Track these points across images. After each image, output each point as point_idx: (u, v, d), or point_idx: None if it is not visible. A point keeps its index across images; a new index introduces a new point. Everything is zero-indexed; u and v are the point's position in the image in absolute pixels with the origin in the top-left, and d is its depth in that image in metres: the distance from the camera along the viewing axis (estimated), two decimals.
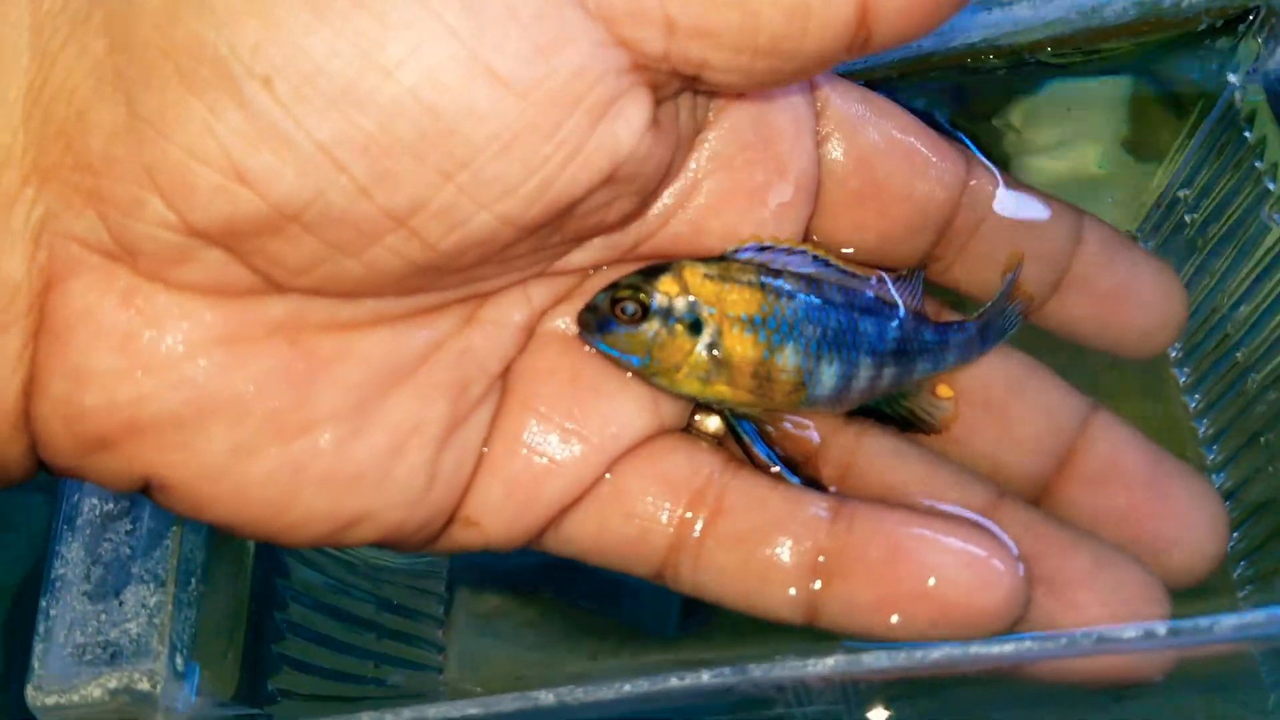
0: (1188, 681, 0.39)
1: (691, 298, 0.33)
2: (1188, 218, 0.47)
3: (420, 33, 0.24)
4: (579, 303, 0.34)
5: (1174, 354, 0.50)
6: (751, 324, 0.33)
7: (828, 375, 0.34)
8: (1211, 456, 0.47)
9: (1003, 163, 0.45)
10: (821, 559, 0.32)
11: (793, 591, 0.32)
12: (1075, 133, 0.47)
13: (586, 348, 0.33)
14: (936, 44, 0.41)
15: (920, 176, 0.35)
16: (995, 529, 0.33)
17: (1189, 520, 0.36)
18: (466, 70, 0.25)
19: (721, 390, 0.33)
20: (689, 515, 0.33)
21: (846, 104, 0.35)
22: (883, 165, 0.35)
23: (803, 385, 0.34)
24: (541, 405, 0.33)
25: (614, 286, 0.32)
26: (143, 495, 0.29)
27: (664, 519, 0.33)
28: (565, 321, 0.34)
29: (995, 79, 0.43)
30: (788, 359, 0.33)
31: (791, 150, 0.33)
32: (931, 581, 0.31)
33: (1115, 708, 0.37)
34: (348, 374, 0.29)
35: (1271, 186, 0.42)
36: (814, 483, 0.35)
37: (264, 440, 0.28)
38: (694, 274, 0.33)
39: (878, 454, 0.36)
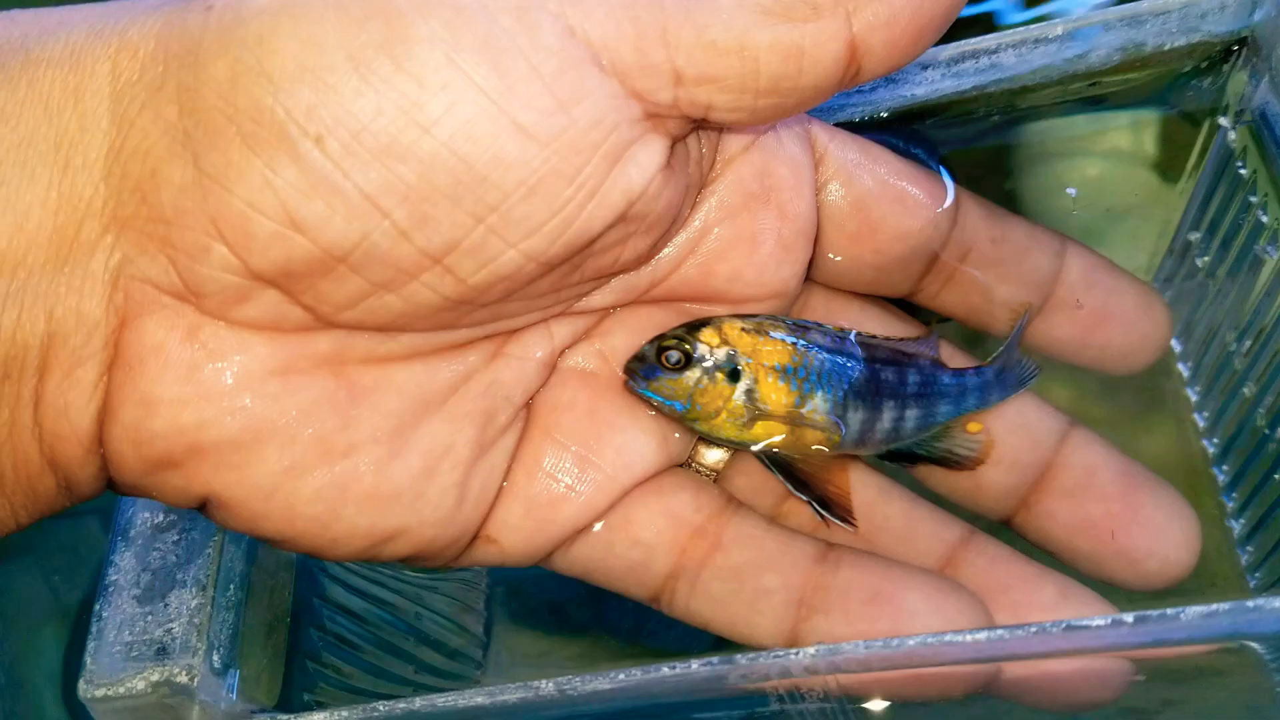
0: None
1: (731, 348, 0.35)
2: (1199, 261, 0.49)
3: (454, 93, 0.27)
4: (598, 341, 0.37)
5: (1193, 397, 0.51)
6: (784, 373, 0.36)
7: (854, 420, 0.37)
8: (1230, 504, 0.48)
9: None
10: (806, 596, 0.35)
11: (776, 622, 0.35)
12: (1080, 178, 0.49)
13: (627, 386, 0.36)
14: (928, 92, 0.43)
15: (912, 216, 0.38)
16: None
17: (1162, 531, 0.38)
18: (495, 124, 0.28)
19: (758, 434, 0.36)
20: (689, 548, 0.36)
21: (843, 152, 0.38)
22: (877, 207, 0.38)
23: (834, 429, 0.36)
24: (561, 435, 0.35)
25: (660, 337, 0.36)
26: (199, 512, 0.32)
27: (666, 549, 0.36)
28: (584, 359, 0.37)
29: (989, 127, 0.46)
30: (818, 405, 0.36)
31: (791, 199, 0.36)
32: (901, 627, 0.34)
33: None
34: (386, 403, 0.32)
35: (1265, 219, 0.43)
36: (843, 518, 0.37)
37: (312, 462, 0.31)
38: (733, 327, 0.36)
39: (863, 490, 0.39)
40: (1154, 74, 0.44)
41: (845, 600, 0.35)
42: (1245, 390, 0.46)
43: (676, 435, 0.37)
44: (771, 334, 0.36)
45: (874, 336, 0.38)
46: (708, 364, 0.35)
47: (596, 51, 0.28)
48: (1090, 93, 0.44)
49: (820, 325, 0.37)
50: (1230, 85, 0.43)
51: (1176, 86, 0.44)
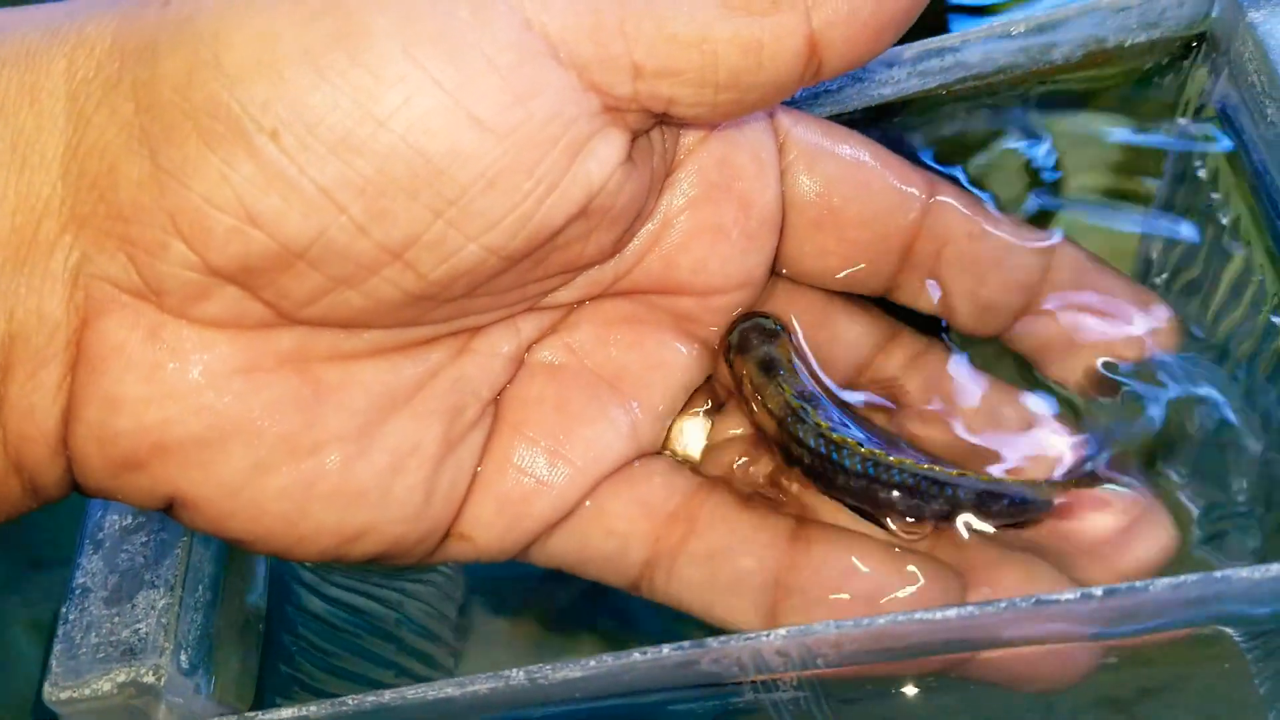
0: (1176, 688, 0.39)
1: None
2: (1169, 262, 0.49)
3: (410, 86, 0.27)
4: (565, 335, 0.37)
5: None
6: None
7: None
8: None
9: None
10: (781, 575, 0.35)
11: (753, 603, 0.35)
12: (1043, 173, 0.49)
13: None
14: (895, 90, 0.44)
15: (877, 202, 0.38)
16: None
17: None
18: (452, 117, 0.28)
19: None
20: (664, 534, 0.36)
21: (808, 136, 0.37)
22: (840, 193, 0.37)
23: None
24: (530, 430, 0.35)
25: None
26: (166, 514, 0.32)
27: (641, 538, 0.36)
28: (551, 353, 0.37)
29: (957, 122, 0.46)
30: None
31: (754, 188, 0.36)
32: (879, 601, 0.34)
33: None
34: (352, 400, 0.32)
35: (1224, 221, 0.44)
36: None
37: (278, 460, 0.31)
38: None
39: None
40: (1118, 71, 0.44)
41: (820, 577, 0.35)
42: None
43: (646, 424, 0.37)
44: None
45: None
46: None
47: (554, 44, 0.29)
48: (1056, 89, 0.44)
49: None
50: (1191, 80, 0.44)
51: (1140, 84, 0.45)
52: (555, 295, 0.36)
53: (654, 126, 0.33)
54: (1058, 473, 0.36)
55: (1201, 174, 0.45)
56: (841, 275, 0.39)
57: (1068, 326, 0.38)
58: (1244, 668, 0.38)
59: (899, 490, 0.35)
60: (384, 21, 0.27)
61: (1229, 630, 0.35)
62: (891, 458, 0.35)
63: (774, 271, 0.39)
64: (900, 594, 0.34)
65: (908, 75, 0.44)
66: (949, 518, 0.35)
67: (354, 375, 0.32)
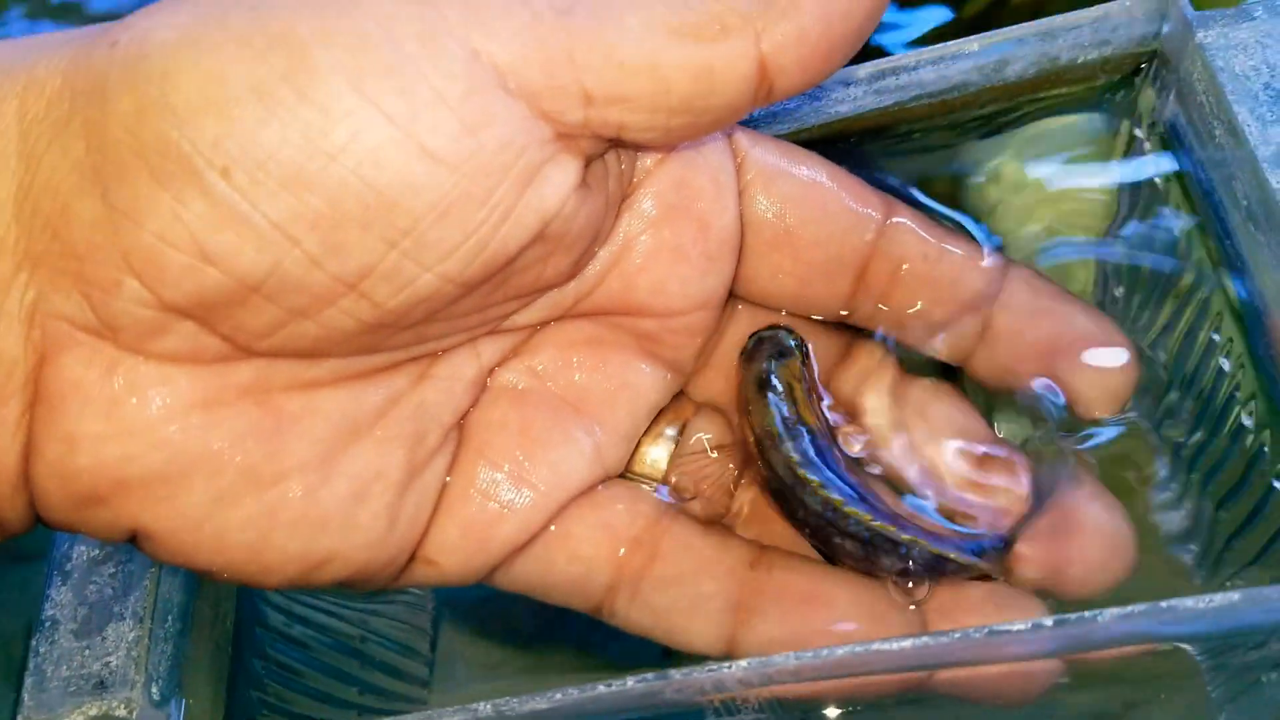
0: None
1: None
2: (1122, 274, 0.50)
3: (359, 120, 0.28)
4: (527, 359, 0.37)
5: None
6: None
7: None
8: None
9: None
10: (742, 599, 0.36)
11: (715, 627, 0.36)
12: (1001, 194, 0.50)
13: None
14: (851, 109, 0.44)
15: (832, 223, 0.38)
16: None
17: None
18: (402, 150, 0.28)
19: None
20: (627, 560, 0.37)
21: (765, 157, 0.37)
22: (795, 213, 0.37)
23: None
24: (494, 455, 0.36)
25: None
26: (131, 544, 0.32)
27: (604, 562, 0.37)
28: (514, 376, 0.37)
29: (914, 145, 0.47)
30: None
31: (712, 209, 0.36)
32: (837, 625, 0.35)
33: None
34: (312, 429, 0.32)
35: (1175, 229, 0.45)
36: None
37: (240, 491, 0.31)
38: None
39: None
40: (1072, 90, 0.45)
41: (780, 603, 0.35)
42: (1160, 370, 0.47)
43: (610, 447, 0.37)
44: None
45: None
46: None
47: (503, 74, 0.29)
48: (1011, 110, 0.45)
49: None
50: (1141, 99, 0.45)
51: (1093, 102, 0.46)
52: (516, 318, 0.36)
53: (607, 151, 0.33)
54: (1003, 522, 0.37)
55: (1156, 184, 0.45)
56: (794, 293, 0.39)
57: (1025, 363, 0.39)
58: (1200, 685, 0.40)
59: (851, 540, 0.35)
60: (331, 56, 0.28)
61: (1185, 646, 0.37)
62: (849, 506, 0.35)
63: (730, 294, 0.39)
64: (858, 618, 0.35)
65: (864, 93, 0.44)
66: (904, 574, 0.36)
67: (315, 404, 0.32)
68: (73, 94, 0.29)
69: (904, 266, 0.39)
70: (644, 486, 0.39)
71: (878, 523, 0.35)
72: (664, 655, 0.46)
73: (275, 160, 0.27)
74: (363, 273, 0.29)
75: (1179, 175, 0.44)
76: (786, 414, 0.37)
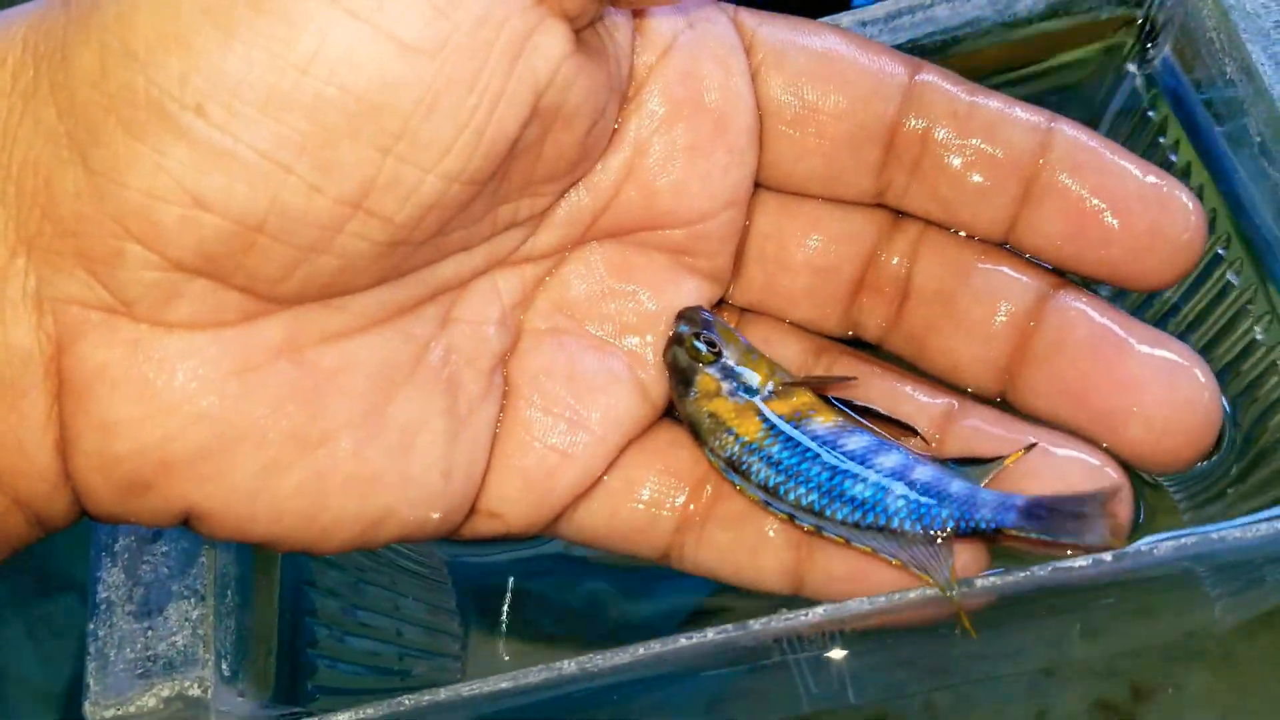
0: (1132, 606, 0.43)
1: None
2: None
3: (323, 23, 0.26)
4: (557, 294, 0.36)
5: None
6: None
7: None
8: None
9: None
10: (803, 535, 0.36)
11: (779, 564, 0.36)
12: None
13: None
14: None
15: (853, 91, 0.36)
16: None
17: (1141, 388, 0.34)
18: (375, 46, 0.27)
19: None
20: (692, 501, 0.37)
21: (775, 33, 0.36)
22: (813, 88, 0.36)
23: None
24: (544, 401, 0.35)
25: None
26: (184, 527, 0.32)
27: (669, 505, 0.37)
28: (550, 319, 0.36)
29: None
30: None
31: (725, 98, 0.35)
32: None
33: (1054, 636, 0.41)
34: (352, 384, 0.32)
35: (1174, 159, 0.46)
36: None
37: (288, 457, 0.31)
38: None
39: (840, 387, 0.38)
40: (1074, 23, 0.45)
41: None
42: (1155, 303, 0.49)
43: (655, 380, 0.37)
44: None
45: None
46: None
47: None
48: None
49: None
50: (1139, 35, 0.46)
51: (1089, 40, 0.46)
52: (534, 241, 0.35)
53: (598, 12, 0.31)
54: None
55: (1152, 115, 0.47)
56: (823, 176, 0.37)
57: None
58: (1204, 594, 0.42)
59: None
60: None
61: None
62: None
63: (756, 184, 0.37)
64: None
65: (880, 32, 0.44)
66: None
67: (349, 356, 0.32)
68: (35, 60, 0.28)
69: (934, 129, 0.36)
70: None
71: (807, 526, 0.35)
72: (688, 620, 0.48)
73: (247, 85, 0.26)
74: (364, 189, 0.28)
75: (1176, 108, 0.45)
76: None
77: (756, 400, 0.36)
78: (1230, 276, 0.44)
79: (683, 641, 0.35)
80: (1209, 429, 0.34)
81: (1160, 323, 0.45)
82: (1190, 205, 0.35)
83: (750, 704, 0.45)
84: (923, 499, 0.34)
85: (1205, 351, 0.45)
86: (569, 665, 0.35)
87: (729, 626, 0.35)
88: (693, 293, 0.37)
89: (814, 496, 0.35)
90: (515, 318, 0.36)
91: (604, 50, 0.32)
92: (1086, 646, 0.42)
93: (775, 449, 0.35)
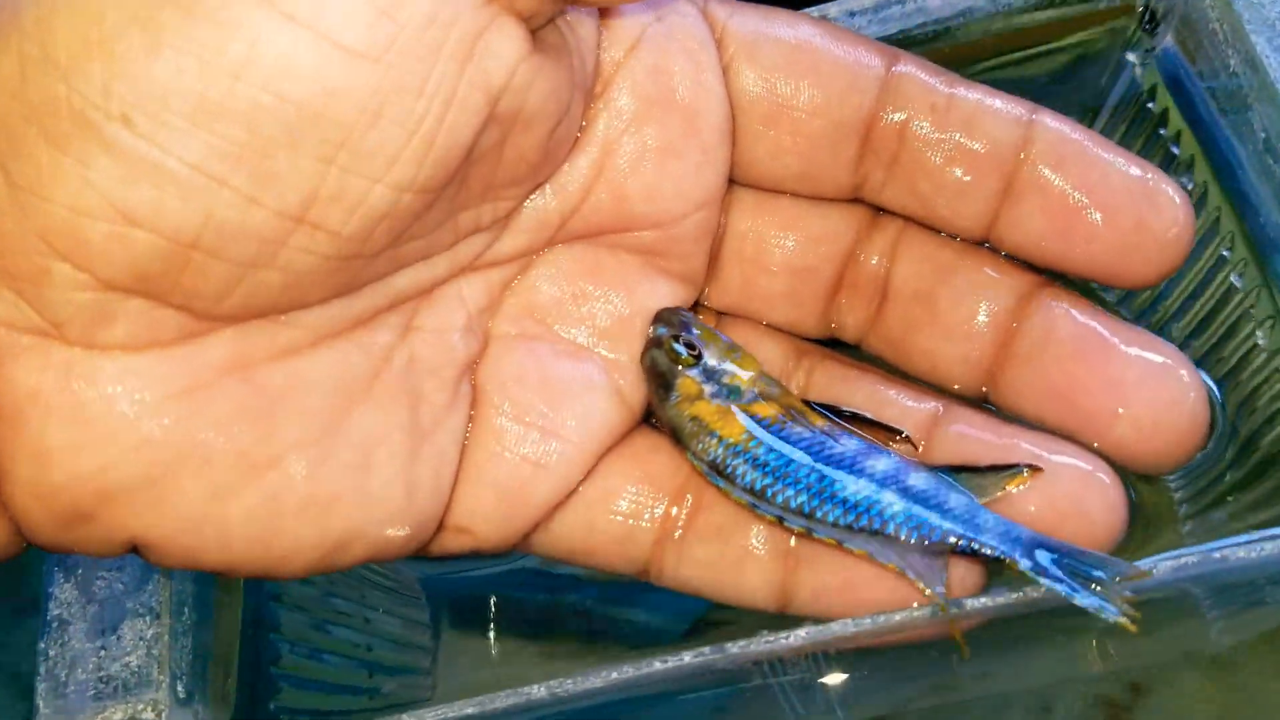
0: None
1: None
2: None
3: (257, 27, 0.25)
4: (526, 298, 0.35)
5: None
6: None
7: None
8: None
9: None
10: (791, 545, 0.34)
11: (764, 579, 0.35)
12: None
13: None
14: None
15: (828, 85, 0.34)
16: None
17: (1129, 388, 0.33)
18: (313, 51, 0.25)
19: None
20: (671, 512, 0.35)
21: (746, 24, 0.34)
22: (787, 82, 0.34)
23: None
24: (516, 410, 0.34)
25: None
26: (135, 555, 0.30)
27: (648, 516, 0.35)
28: (519, 325, 0.35)
29: None
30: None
31: (696, 94, 0.33)
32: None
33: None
34: (304, 401, 0.30)
35: (1176, 151, 0.44)
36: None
37: (236, 481, 0.29)
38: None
39: (829, 384, 0.37)
40: (1065, 12, 0.44)
41: (830, 550, 0.34)
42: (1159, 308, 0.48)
43: (630, 384, 0.35)
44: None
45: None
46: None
47: None
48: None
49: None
50: (1139, 25, 0.44)
51: (1088, 29, 0.45)
52: (499, 246, 0.33)
53: (556, 10, 0.30)
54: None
55: (1152, 108, 0.45)
56: (799, 173, 0.36)
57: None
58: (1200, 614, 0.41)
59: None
60: None
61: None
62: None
63: (731, 180, 0.36)
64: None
65: (869, 22, 0.43)
66: None
67: (301, 373, 0.30)
68: None
69: (912, 122, 0.35)
70: None
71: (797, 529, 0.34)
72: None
73: (175, 94, 0.25)
74: (306, 201, 0.26)
75: (1176, 99, 0.44)
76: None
77: (739, 403, 0.35)
78: (1234, 279, 0.42)
79: (657, 665, 0.33)
80: (1196, 429, 0.34)
81: (1165, 327, 0.44)
82: (1178, 200, 0.34)
83: None
84: (920, 509, 0.33)
85: (1208, 355, 0.43)
86: (538, 690, 0.34)
87: (705, 649, 0.33)
88: (666, 295, 0.36)
89: (803, 498, 0.33)
90: (482, 324, 0.34)
91: (565, 48, 0.30)
92: (1086, 665, 0.41)
93: (761, 451, 0.34)
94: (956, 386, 0.36)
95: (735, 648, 0.33)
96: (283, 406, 0.29)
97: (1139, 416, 0.33)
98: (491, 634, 0.45)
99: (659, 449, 0.36)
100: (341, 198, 0.26)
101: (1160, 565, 0.32)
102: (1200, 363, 0.43)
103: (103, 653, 0.36)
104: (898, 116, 0.34)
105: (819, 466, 0.33)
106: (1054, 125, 0.34)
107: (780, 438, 0.34)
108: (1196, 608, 0.39)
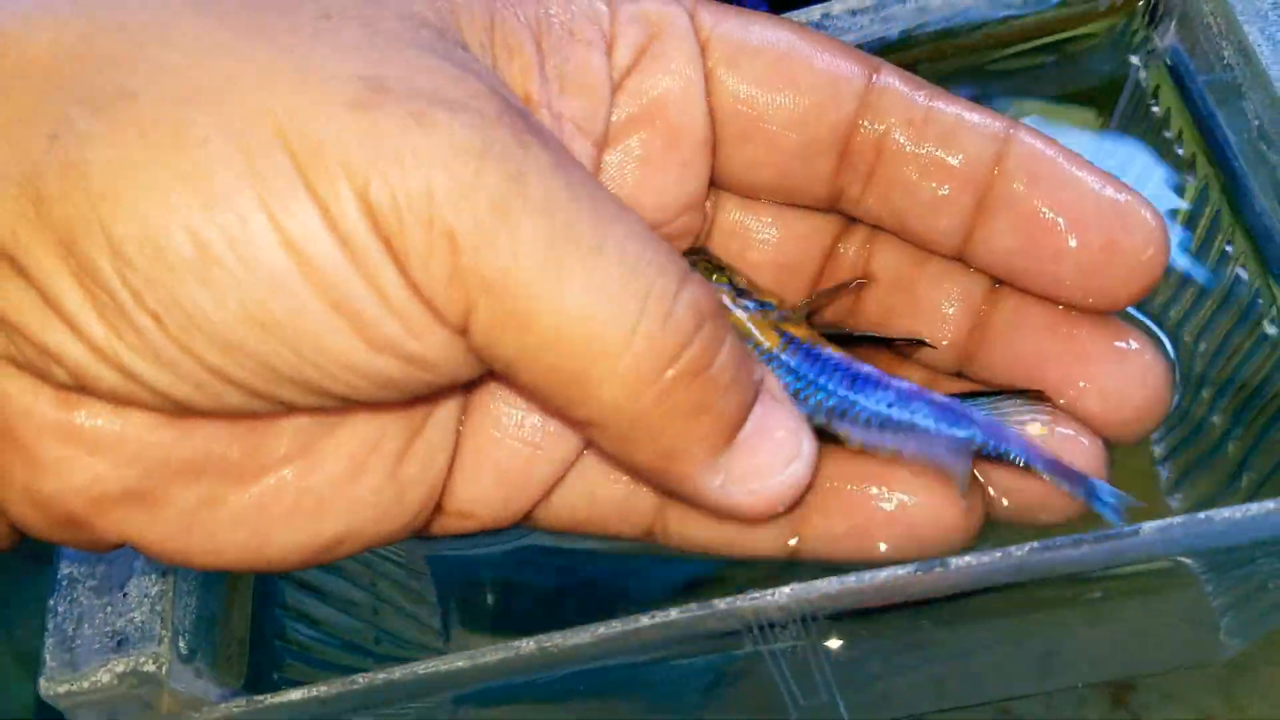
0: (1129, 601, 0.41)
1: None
2: None
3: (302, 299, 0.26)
4: None
5: None
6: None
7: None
8: None
9: None
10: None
11: (775, 530, 0.34)
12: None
13: None
14: (858, 38, 0.44)
15: (805, 100, 0.34)
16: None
17: (1094, 362, 0.34)
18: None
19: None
20: None
21: (730, 33, 0.34)
22: (765, 97, 0.34)
23: None
24: (508, 393, 0.34)
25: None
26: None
27: None
28: None
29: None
30: None
31: (679, 112, 0.34)
32: (895, 506, 0.34)
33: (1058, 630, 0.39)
34: (294, 420, 0.30)
35: (1180, 152, 0.45)
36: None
37: (224, 491, 0.29)
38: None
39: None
40: (1067, 11, 0.45)
41: (838, 494, 0.34)
42: (1171, 313, 0.48)
43: None
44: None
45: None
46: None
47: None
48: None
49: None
50: (1141, 26, 0.45)
51: (1090, 30, 0.46)
52: None
53: None
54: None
55: (1156, 110, 0.46)
56: (775, 185, 0.36)
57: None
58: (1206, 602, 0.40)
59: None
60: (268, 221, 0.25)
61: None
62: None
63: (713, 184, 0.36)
64: (923, 498, 0.34)
65: (871, 21, 0.44)
66: None
67: None
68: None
69: (889, 135, 0.35)
70: None
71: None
72: (677, 598, 0.46)
73: (210, 323, 0.25)
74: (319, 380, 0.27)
75: (1179, 96, 0.44)
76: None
77: (772, 317, 0.35)
78: (1239, 270, 0.42)
79: (645, 621, 0.34)
80: (1160, 403, 0.34)
81: (1174, 332, 0.45)
82: (1153, 221, 0.33)
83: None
84: (949, 413, 0.34)
85: (1217, 353, 0.44)
86: (528, 644, 0.34)
87: (693, 605, 0.33)
88: None
89: (835, 400, 0.34)
90: None
91: None
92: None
93: (795, 359, 0.35)
94: (929, 364, 0.37)
95: (723, 604, 0.33)
96: (273, 426, 0.30)
97: (1106, 389, 0.34)
98: (498, 611, 0.45)
99: None
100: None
101: (1146, 527, 0.32)
102: (1213, 358, 0.44)
103: (109, 609, 0.37)
104: (876, 129, 0.35)
105: (853, 368, 0.34)
106: (1029, 141, 0.34)
107: (814, 349, 0.35)
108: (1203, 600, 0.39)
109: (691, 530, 0.35)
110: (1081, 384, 0.35)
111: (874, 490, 0.34)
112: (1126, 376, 0.34)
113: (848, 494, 0.34)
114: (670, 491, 0.32)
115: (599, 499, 0.35)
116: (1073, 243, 0.34)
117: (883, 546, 0.34)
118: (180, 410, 0.27)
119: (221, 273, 0.25)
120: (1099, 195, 0.34)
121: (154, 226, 0.25)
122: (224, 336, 0.26)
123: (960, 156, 0.34)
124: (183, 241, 0.25)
